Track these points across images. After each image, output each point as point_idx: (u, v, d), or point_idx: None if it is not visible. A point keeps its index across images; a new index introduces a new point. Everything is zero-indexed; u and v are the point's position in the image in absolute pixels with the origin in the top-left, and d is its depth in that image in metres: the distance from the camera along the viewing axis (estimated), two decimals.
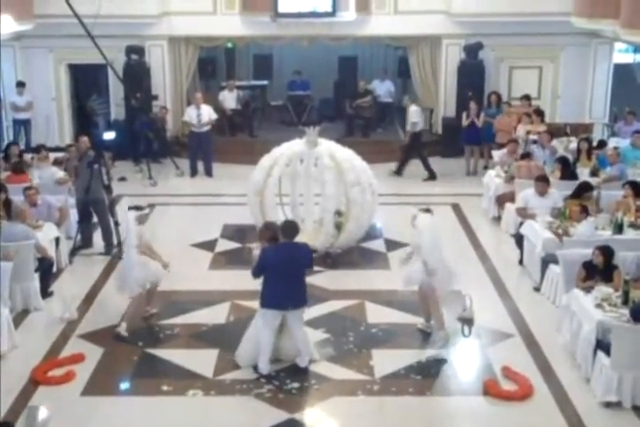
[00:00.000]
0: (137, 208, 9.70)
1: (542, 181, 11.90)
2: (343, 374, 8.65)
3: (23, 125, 17.44)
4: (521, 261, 11.67)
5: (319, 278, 11.06)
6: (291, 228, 8.65)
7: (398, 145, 17.01)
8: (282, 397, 8.20)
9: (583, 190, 11.65)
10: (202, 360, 8.88)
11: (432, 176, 16.02)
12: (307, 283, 8.74)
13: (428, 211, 9.27)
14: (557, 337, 9.41)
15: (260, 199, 11.86)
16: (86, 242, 12.17)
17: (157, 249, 9.97)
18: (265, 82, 20.04)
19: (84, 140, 13.07)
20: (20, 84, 17.35)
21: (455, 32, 17.53)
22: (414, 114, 15.92)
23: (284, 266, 8.38)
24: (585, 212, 10.80)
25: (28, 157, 14.11)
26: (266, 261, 8.42)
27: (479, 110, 16.31)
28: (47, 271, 10.63)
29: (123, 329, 9.35)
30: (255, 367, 8.62)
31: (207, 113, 16.32)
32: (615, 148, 14.00)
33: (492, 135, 16.06)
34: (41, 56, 17.80)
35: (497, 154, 14.96)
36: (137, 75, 17.01)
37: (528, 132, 15.29)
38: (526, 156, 13.62)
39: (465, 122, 16.33)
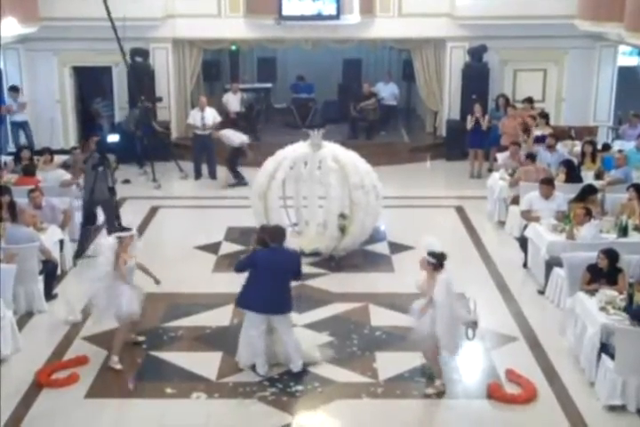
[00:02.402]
0: (123, 229, 9.08)
1: (547, 184, 11.87)
2: (347, 376, 8.64)
3: (21, 127, 17.32)
4: (525, 264, 11.66)
5: (323, 281, 11.06)
6: (278, 233, 8.68)
7: (405, 148, 17.04)
8: (285, 399, 8.20)
9: (587, 193, 11.63)
10: (205, 363, 8.87)
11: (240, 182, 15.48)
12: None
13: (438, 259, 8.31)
14: (561, 340, 9.40)
15: (263, 202, 11.86)
16: (84, 247, 12.10)
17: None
18: (269, 84, 20.10)
19: (95, 140, 13.04)
20: (14, 89, 17.10)
21: (459, 35, 17.53)
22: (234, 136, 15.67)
23: (270, 270, 8.40)
24: (588, 215, 10.77)
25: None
26: (255, 261, 8.48)
27: (484, 113, 16.30)
28: (51, 274, 10.64)
29: (115, 363, 8.87)
30: (254, 369, 8.65)
31: (211, 116, 16.31)
32: (620, 151, 14.00)
33: (498, 138, 16.05)
34: (45, 59, 17.83)
35: (501, 157, 14.95)
36: (141, 77, 17.02)
37: (528, 135, 15.35)
38: (530, 157, 13.59)
39: (469, 125, 16.32)
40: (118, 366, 8.80)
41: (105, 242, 9.01)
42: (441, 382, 8.43)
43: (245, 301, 8.51)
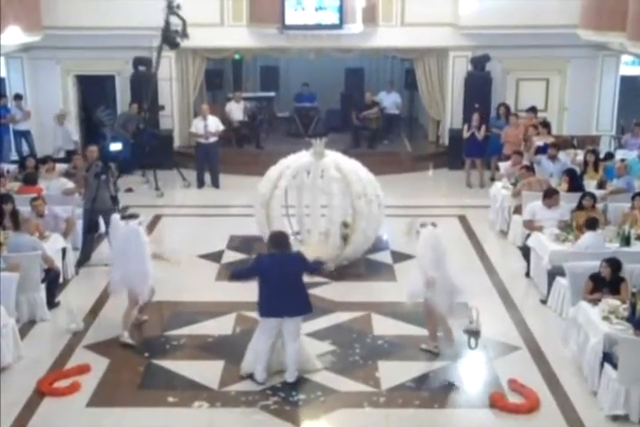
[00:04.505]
0: (130, 217, 9.76)
1: (555, 194, 11.87)
2: (349, 385, 8.63)
3: (23, 136, 17.33)
4: (528, 274, 11.65)
5: (325, 290, 11.05)
6: (277, 239, 8.66)
7: (407, 157, 17.05)
8: (287, 409, 8.19)
9: (585, 200, 11.59)
10: (208, 371, 8.86)
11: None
12: (311, 294, 8.74)
13: (431, 225, 9.14)
14: (564, 350, 9.38)
15: (266, 211, 11.86)
16: (86, 255, 12.13)
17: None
18: (272, 93, 20.11)
19: (93, 149, 13.06)
20: (18, 97, 17.24)
21: (462, 44, 17.56)
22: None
23: (274, 274, 8.41)
24: (594, 223, 10.65)
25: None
26: (258, 268, 8.54)
27: (481, 122, 16.28)
28: (53, 282, 10.64)
29: (126, 338, 9.40)
30: (251, 377, 8.62)
31: (214, 124, 16.33)
32: (622, 160, 14.00)
33: (500, 147, 16.04)
34: (49, 67, 17.87)
35: (503, 166, 14.95)
36: (144, 86, 17.03)
37: (527, 143, 15.36)
38: (529, 169, 13.59)
39: (465, 134, 16.32)
40: (130, 341, 9.36)
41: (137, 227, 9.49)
42: (453, 344, 9.00)
43: (263, 309, 8.52)
